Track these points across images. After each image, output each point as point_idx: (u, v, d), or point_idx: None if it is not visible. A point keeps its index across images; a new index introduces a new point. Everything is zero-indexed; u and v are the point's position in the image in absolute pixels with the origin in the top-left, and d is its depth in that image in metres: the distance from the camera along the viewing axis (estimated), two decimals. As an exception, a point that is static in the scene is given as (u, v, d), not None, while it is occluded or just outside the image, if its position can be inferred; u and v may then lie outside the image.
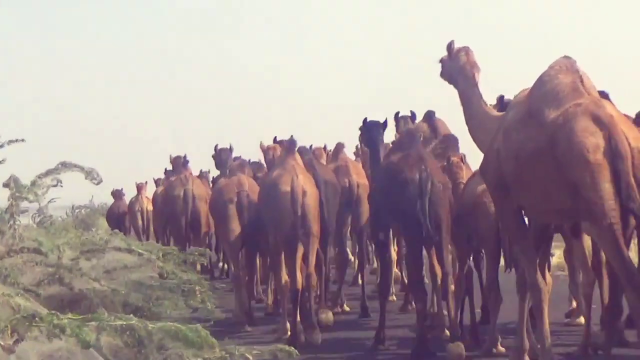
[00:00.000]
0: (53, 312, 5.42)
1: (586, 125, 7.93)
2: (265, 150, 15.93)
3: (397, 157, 11.41)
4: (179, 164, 19.49)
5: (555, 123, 8.10)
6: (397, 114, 13.34)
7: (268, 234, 12.67)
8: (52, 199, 12.69)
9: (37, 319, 5.26)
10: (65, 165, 8.39)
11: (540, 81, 8.64)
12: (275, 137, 16.19)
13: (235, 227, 13.88)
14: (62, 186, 8.90)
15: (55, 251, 8.39)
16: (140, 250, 8.89)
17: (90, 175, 8.30)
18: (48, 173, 8.48)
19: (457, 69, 10.18)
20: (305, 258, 12.14)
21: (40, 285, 8.28)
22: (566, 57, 8.72)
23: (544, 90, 8.49)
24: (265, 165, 16.22)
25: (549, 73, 8.63)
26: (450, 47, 10.36)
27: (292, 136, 13.63)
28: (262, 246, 14.08)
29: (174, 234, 18.57)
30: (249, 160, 17.16)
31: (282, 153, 13.92)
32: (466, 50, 10.28)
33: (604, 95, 9.26)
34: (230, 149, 17.67)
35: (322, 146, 17.38)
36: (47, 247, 8.33)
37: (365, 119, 13.24)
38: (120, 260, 8.88)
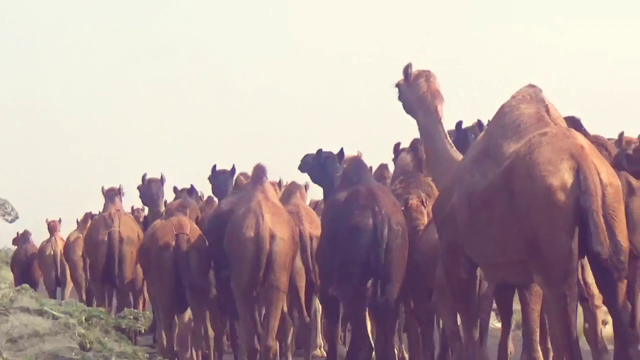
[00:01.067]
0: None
1: (551, 157, 7.06)
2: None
3: (343, 193, 9.89)
4: (112, 196, 16.41)
5: (515, 155, 7.26)
6: (397, 145, 11.68)
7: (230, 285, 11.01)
8: None
9: None
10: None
11: (500, 112, 7.83)
12: (215, 166, 13.98)
13: (170, 283, 11.97)
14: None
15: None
16: (55, 313, 6.74)
17: (2, 208, 6.27)
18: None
19: (416, 98, 8.85)
20: (265, 320, 10.05)
21: None
22: (531, 85, 7.90)
23: (503, 123, 7.69)
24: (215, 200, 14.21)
25: (510, 103, 7.80)
26: (407, 71, 8.98)
27: (259, 163, 11.82)
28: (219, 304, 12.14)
29: (96, 288, 15.56)
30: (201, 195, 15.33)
31: (248, 183, 12.21)
32: (427, 75, 8.94)
33: (574, 121, 8.54)
34: (162, 180, 15.56)
35: (277, 181, 14.82)
36: None
37: (319, 150, 11.70)
38: (29, 325, 6.71)
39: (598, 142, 9.13)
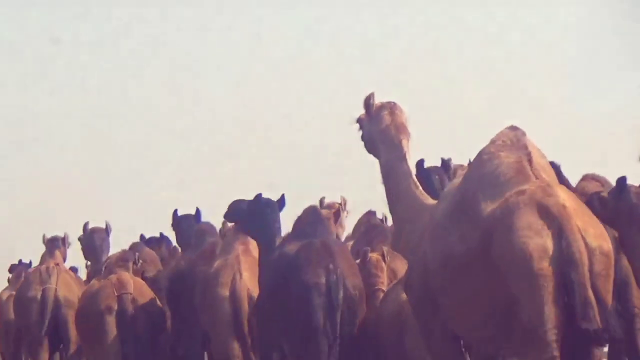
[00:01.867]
0: None
1: (530, 220, 6.50)
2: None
3: (293, 246, 8.82)
4: (52, 249, 13.93)
5: (492, 217, 6.68)
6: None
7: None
8: None
9: None
10: None
11: (478, 160, 7.17)
12: (176, 211, 12.28)
13: (113, 349, 10.74)
14: None
15: None
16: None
17: None
18: None
19: (378, 132, 8.08)
20: None
21: None
22: (512, 127, 7.19)
23: (480, 173, 7.03)
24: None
25: (489, 150, 7.11)
26: (368, 102, 8.19)
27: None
28: None
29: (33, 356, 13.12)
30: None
31: (229, 230, 10.96)
32: (391, 107, 8.15)
33: (554, 167, 7.66)
34: (107, 230, 13.96)
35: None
36: None
37: (259, 195, 9.86)
38: None
39: (594, 182, 8.79)
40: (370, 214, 11.72)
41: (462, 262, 6.82)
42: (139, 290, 11.07)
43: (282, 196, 9.86)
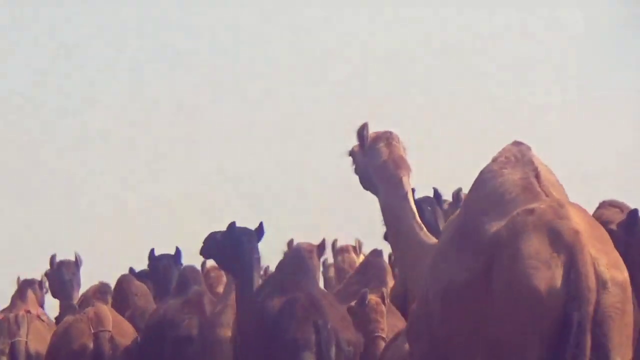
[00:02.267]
0: None
1: (539, 247, 5.87)
2: None
3: (276, 300, 8.20)
4: (24, 291, 12.45)
5: (496, 241, 6.05)
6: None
7: None
8: None
9: None
10: None
11: (480, 180, 6.63)
12: (152, 250, 11.36)
13: None
14: None
15: None
16: None
17: None
18: None
19: (375, 169, 7.44)
20: None
21: None
22: (516, 142, 6.70)
23: (482, 194, 6.47)
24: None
25: (491, 168, 6.58)
26: (362, 133, 7.54)
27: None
28: None
29: None
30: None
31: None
32: (388, 138, 7.51)
33: None
34: (77, 263, 12.65)
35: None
36: None
37: (233, 223, 9.07)
38: None
39: (613, 209, 7.95)
40: (376, 253, 10.58)
41: (465, 295, 6.18)
42: (118, 327, 10.02)
43: (261, 224, 9.08)
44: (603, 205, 8.27)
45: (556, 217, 6.05)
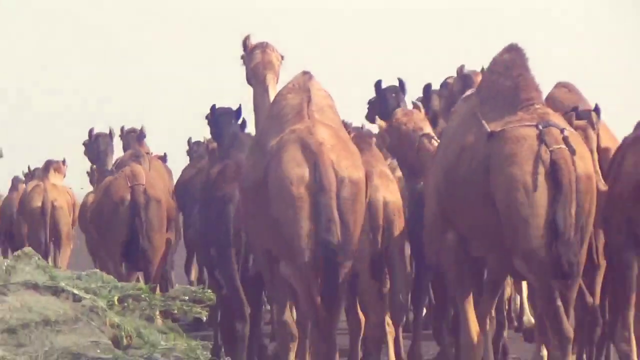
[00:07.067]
0: None
1: (294, 155, 7.97)
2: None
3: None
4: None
5: (270, 151, 8.14)
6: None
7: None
8: None
9: None
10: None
11: (274, 102, 8.55)
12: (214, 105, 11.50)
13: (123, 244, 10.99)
14: None
15: None
16: (76, 291, 4.53)
17: None
18: None
19: (251, 68, 9.17)
20: None
21: None
22: (304, 72, 8.52)
23: (273, 113, 8.45)
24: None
25: (282, 92, 8.52)
26: (245, 43, 9.29)
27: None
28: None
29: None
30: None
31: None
32: (263, 47, 9.22)
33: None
34: (111, 135, 14.07)
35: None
36: None
37: (213, 106, 10.69)
38: (35, 308, 4.53)
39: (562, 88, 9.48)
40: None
41: (252, 189, 8.23)
42: (151, 182, 11.16)
43: (239, 107, 10.49)
44: (556, 85, 9.77)
45: (308, 134, 8.01)
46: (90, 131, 13.95)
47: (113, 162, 13.49)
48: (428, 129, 9.61)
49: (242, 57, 9.29)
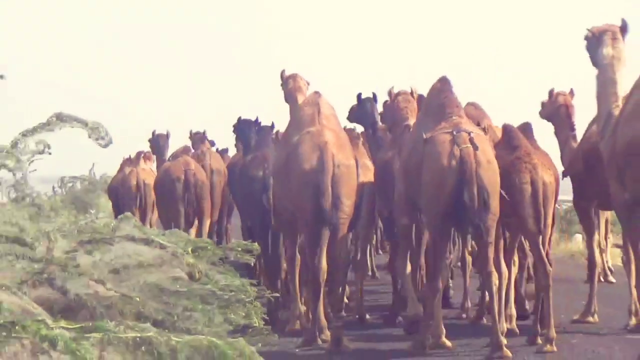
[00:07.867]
0: (41, 318, 4.33)
1: (307, 148, 10.90)
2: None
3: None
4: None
5: (293, 144, 11.09)
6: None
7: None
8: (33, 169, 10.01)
9: (17, 327, 4.13)
10: (61, 119, 5.84)
11: (295, 112, 11.78)
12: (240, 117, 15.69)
13: (178, 209, 14.78)
14: (50, 153, 6.36)
15: (43, 241, 5.89)
16: (163, 242, 6.30)
17: (96, 132, 5.77)
18: (36, 129, 5.92)
19: (286, 93, 12.55)
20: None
21: (22, 287, 5.72)
22: (315, 92, 11.62)
23: (294, 119, 11.61)
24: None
25: (302, 106, 11.60)
26: (282, 75, 12.64)
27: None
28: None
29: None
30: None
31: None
32: (293, 77, 12.55)
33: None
34: (167, 135, 18.66)
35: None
36: (32, 235, 5.86)
37: (239, 117, 14.91)
38: (133, 255, 6.29)
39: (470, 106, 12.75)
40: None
41: (280, 169, 11.42)
42: (197, 169, 15.24)
43: (256, 118, 14.55)
44: (466, 104, 12.40)
45: (317, 135, 10.95)
46: (153, 132, 18.63)
47: (169, 154, 18.17)
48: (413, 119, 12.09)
49: (281, 85, 12.55)
